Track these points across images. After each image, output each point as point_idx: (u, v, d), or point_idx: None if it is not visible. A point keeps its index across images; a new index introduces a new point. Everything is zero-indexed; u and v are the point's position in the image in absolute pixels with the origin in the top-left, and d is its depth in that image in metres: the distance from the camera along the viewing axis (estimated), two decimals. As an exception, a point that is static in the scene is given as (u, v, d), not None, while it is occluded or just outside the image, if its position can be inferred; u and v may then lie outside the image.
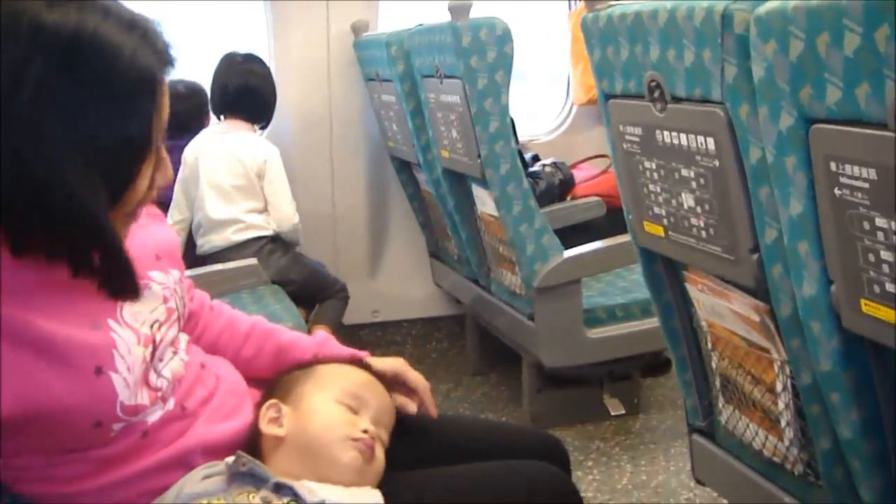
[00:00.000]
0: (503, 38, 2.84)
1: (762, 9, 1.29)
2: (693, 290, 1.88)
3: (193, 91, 3.83)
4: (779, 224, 1.43)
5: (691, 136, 1.60)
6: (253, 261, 2.82)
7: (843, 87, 1.17)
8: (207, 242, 3.52)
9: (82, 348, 1.21)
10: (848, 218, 1.24)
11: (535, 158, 4.07)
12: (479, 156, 2.93)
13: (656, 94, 1.67)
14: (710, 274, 1.75)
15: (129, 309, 1.31)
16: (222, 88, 3.59)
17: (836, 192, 1.24)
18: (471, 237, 3.44)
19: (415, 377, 1.66)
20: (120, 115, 1.17)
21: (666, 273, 1.98)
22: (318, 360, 1.60)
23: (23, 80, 1.08)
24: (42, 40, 1.09)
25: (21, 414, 1.15)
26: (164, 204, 3.62)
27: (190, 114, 3.77)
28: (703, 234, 1.67)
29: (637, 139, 1.78)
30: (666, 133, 1.67)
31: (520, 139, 3.94)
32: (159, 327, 1.37)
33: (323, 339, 1.72)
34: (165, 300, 1.41)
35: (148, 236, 1.44)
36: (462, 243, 3.53)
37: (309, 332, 3.54)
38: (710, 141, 1.54)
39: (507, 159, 2.93)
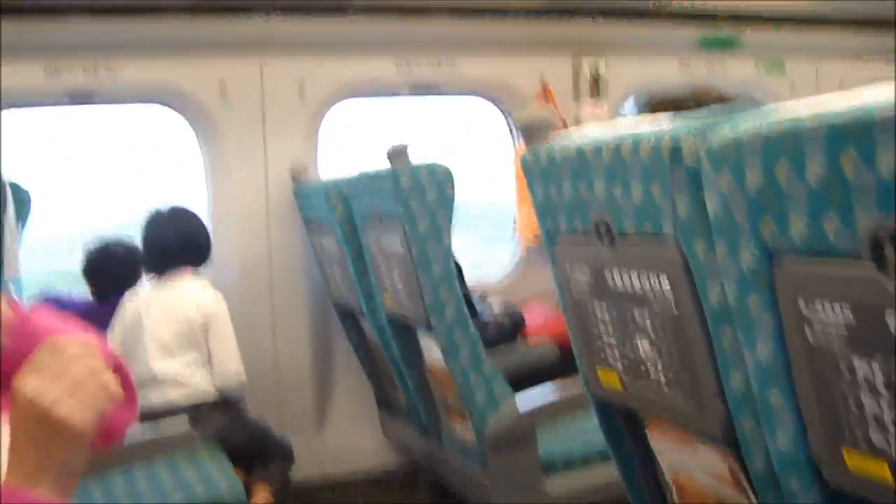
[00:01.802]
0: (444, 181, 2.75)
1: (714, 140, 1.20)
2: (656, 442, 1.74)
3: (128, 251, 3.68)
4: (745, 369, 1.30)
5: (643, 276, 1.48)
6: (184, 422, 2.63)
7: (808, 219, 1.06)
8: (145, 401, 3.31)
9: None
10: (822, 361, 1.11)
11: (482, 298, 3.96)
12: (424, 302, 2.80)
13: (604, 232, 1.56)
14: (674, 424, 1.61)
15: None
16: (158, 247, 3.46)
17: (808, 332, 1.12)
18: (418, 387, 3.28)
19: None
20: None
21: (625, 423, 1.83)
22: None
23: None
24: None
25: None
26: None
27: (126, 274, 3.61)
28: (663, 380, 1.54)
29: (586, 281, 1.66)
30: (616, 272, 1.56)
31: (467, 281, 3.83)
32: None
33: None
34: None
35: None
36: (410, 394, 3.36)
37: (249, 494, 3.35)
38: (665, 280, 1.43)
39: (453, 305, 2.80)
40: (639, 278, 1.49)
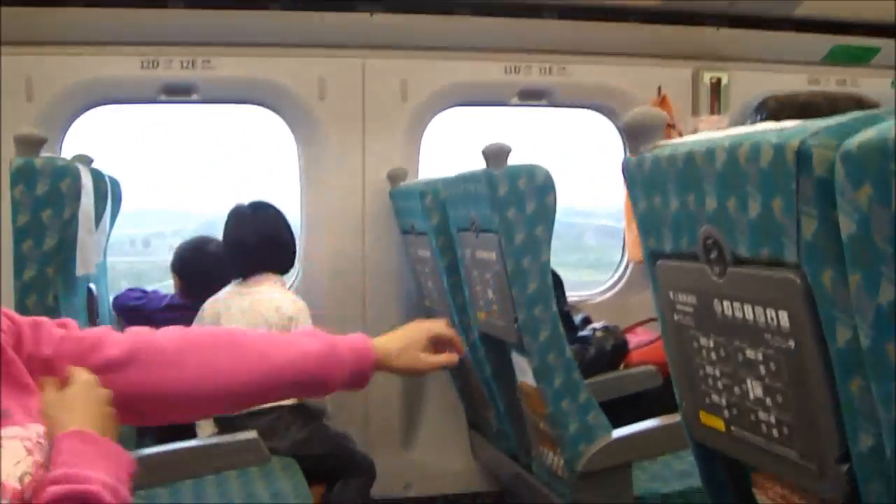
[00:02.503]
0: (544, 188, 2.54)
1: (853, 142, 0.96)
2: (763, 499, 1.50)
3: (220, 251, 3.57)
4: (878, 429, 1.06)
5: (759, 309, 1.25)
6: (252, 434, 2.49)
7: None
8: (221, 409, 3.20)
9: None
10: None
11: (586, 321, 3.72)
12: (517, 320, 2.59)
13: (713, 254, 1.33)
14: (785, 482, 1.37)
15: None
16: (239, 246, 3.32)
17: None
18: (510, 409, 3.07)
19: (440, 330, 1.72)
20: None
21: (729, 474, 1.59)
22: None
23: None
24: None
25: None
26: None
27: (214, 274, 3.49)
28: (775, 432, 1.30)
29: (691, 310, 1.44)
30: (727, 303, 1.33)
31: (569, 299, 3.61)
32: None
33: None
34: (29, 452, 1.13)
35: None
36: (500, 416, 3.16)
37: (325, 512, 3.20)
38: (784, 315, 1.20)
39: (548, 325, 2.59)
40: (753, 311, 1.26)
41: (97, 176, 3.10)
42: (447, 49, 3.76)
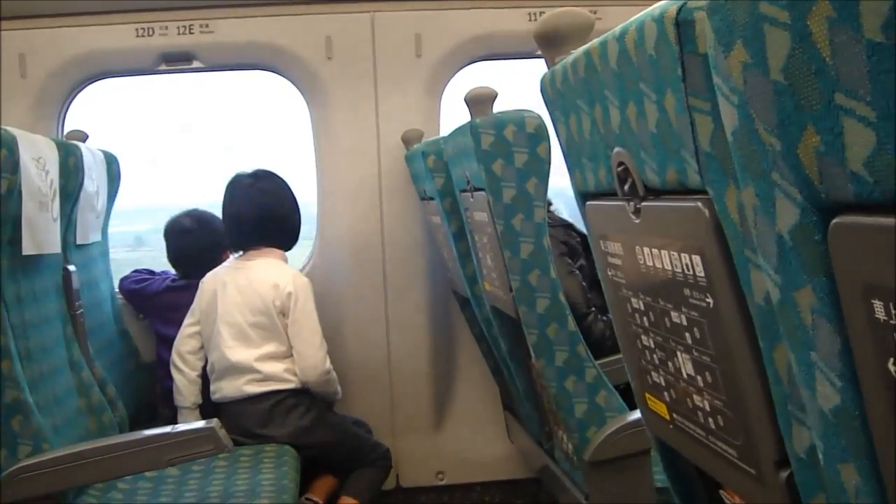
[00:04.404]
0: (535, 137, 2.19)
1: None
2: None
3: (201, 223, 3.33)
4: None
5: (673, 255, 0.91)
6: (211, 423, 2.21)
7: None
8: (218, 391, 2.96)
9: None
10: None
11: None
12: (511, 288, 2.26)
13: (627, 185, 0.99)
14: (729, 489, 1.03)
15: None
16: (235, 219, 3.06)
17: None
18: (528, 389, 2.75)
19: None
20: None
21: (697, 471, 1.25)
22: None
23: None
24: None
25: None
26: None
27: (199, 250, 3.26)
28: (711, 422, 0.96)
29: (619, 262, 1.10)
30: (647, 251, 0.99)
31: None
32: None
33: None
34: None
35: None
36: (520, 396, 2.83)
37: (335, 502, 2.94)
38: (697, 261, 0.86)
39: (547, 293, 2.25)
40: (670, 258, 0.92)
41: (94, 153, 2.90)
42: (466, -4, 3.43)
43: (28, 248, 2.29)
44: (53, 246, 2.46)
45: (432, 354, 3.54)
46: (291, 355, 2.93)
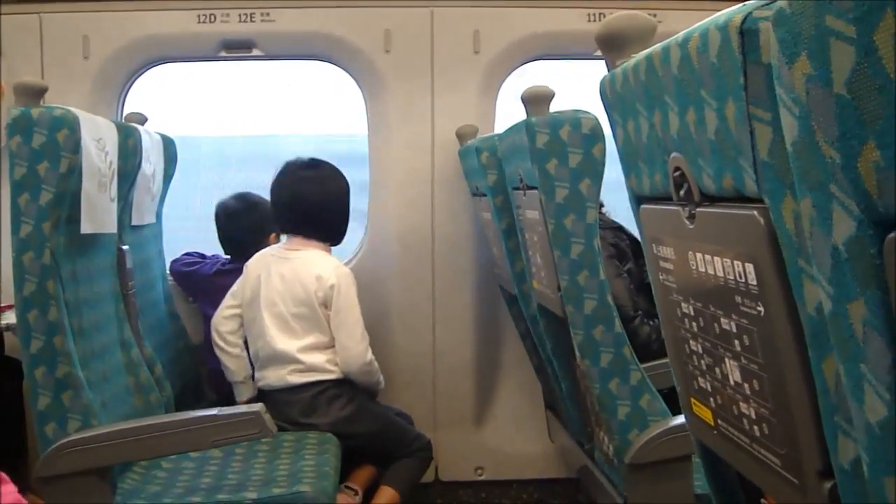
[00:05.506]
0: (591, 138, 2.19)
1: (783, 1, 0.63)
2: (775, 513, 1.16)
3: (248, 205, 3.37)
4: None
5: (726, 262, 0.92)
6: (256, 407, 2.25)
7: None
8: (263, 378, 3.00)
9: None
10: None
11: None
12: (560, 287, 2.27)
13: (683, 190, 1.00)
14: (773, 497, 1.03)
15: None
16: (282, 205, 3.09)
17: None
18: (571, 389, 2.75)
19: None
20: None
21: (741, 481, 1.25)
22: None
23: None
24: None
25: None
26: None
27: (245, 231, 3.31)
28: (756, 430, 0.96)
29: (671, 266, 1.11)
30: (699, 256, 0.99)
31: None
32: None
33: None
34: None
35: None
36: (563, 396, 2.84)
37: (372, 493, 2.96)
38: (750, 269, 0.86)
39: (595, 294, 2.25)
40: (722, 265, 0.93)
41: (151, 135, 2.96)
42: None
43: (86, 227, 2.34)
44: (110, 226, 2.51)
45: (477, 350, 3.55)
46: (333, 346, 2.95)
